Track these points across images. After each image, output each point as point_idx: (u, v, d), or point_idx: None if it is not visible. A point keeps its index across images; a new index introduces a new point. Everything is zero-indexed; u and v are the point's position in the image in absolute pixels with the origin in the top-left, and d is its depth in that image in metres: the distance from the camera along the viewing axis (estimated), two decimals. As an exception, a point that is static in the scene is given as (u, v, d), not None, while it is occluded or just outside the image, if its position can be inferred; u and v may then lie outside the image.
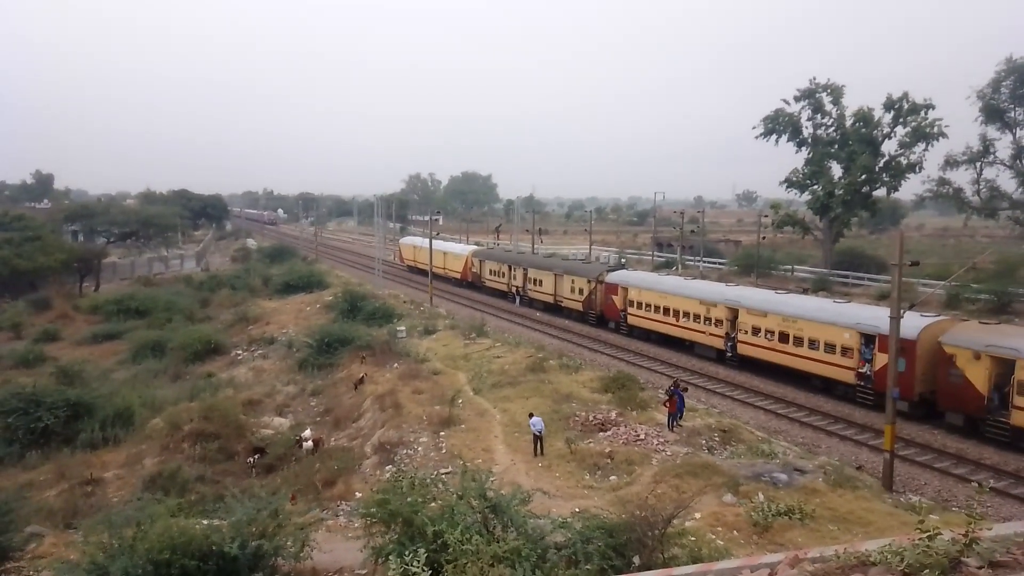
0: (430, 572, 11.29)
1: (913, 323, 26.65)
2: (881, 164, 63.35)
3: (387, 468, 23.71)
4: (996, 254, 59.89)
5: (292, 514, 16.45)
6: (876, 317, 28.66)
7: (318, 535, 16.25)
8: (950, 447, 25.08)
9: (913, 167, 61.93)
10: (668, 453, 22.83)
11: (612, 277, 46.59)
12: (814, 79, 66.14)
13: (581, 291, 49.30)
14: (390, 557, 12.72)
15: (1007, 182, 62.39)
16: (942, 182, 62.76)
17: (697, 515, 17.73)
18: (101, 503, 23.28)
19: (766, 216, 68.91)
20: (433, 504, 13.98)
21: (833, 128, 66.57)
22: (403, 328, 43.87)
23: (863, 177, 62.79)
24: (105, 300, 61.26)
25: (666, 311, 40.75)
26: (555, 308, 52.67)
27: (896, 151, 62.78)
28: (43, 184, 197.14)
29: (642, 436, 24.28)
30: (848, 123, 64.88)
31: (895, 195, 73.01)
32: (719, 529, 17.34)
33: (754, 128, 69.77)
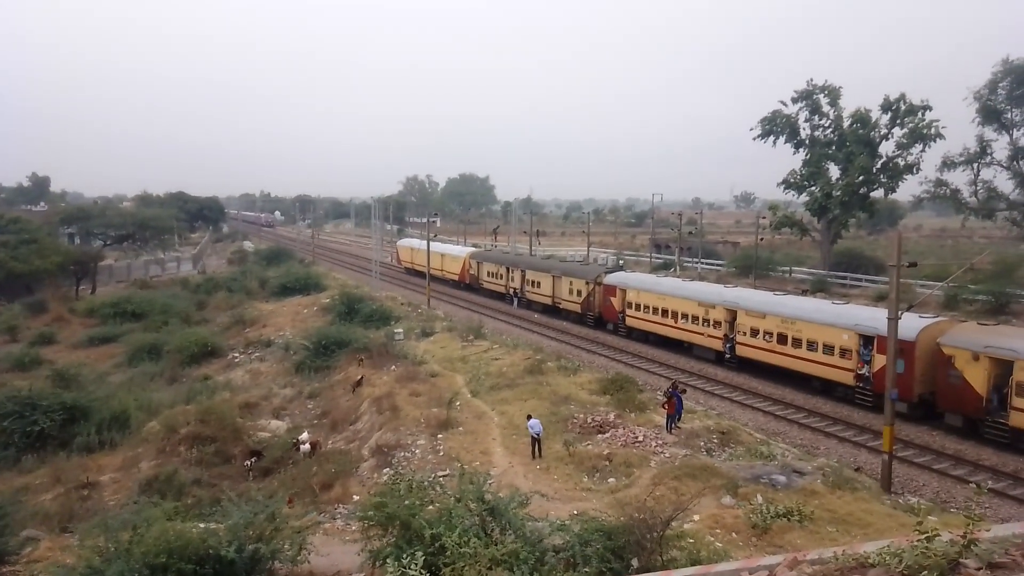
0: (428, 575, 11.24)
1: (912, 324, 26.65)
2: (879, 165, 63.46)
3: (385, 471, 23.63)
4: (994, 255, 59.92)
5: (289, 517, 16.40)
6: (874, 318, 28.67)
7: (315, 538, 16.19)
8: (949, 448, 25.08)
9: (911, 168, 62.04)
10: (667, 455, 22.79)
11: (610, 279, 46.58)
12: (811, 80, 66.33)
13: (579, 293, 49.28)
14: (388, 560, 12.67)
15: (1004, 183, 62.61)
16: (939, 183, 62.86)
17: (696, 517, 17.69)
18: (97, 507, 23.17)
19: (764, 217, 69.02)
20: (431, 507, 13.94)
21: (831, 129, 66.67)
22: (400, 330, 43.81)
23: (861, 178, 62.90)
24: (101, 303, 61.08)
25: (664, 313, 40.74)
26: (553, 310, 52.64)
27: (893, 152, 62.91)
28: (39, 186, 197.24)
29: (640, 438, 24.23)
30: (846, 124, 64.99)
31: (893, 196, 73.17)
32: (718, 531, 17.30)
33: (752, 129, 69.92)
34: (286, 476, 25.17)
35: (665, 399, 25.83)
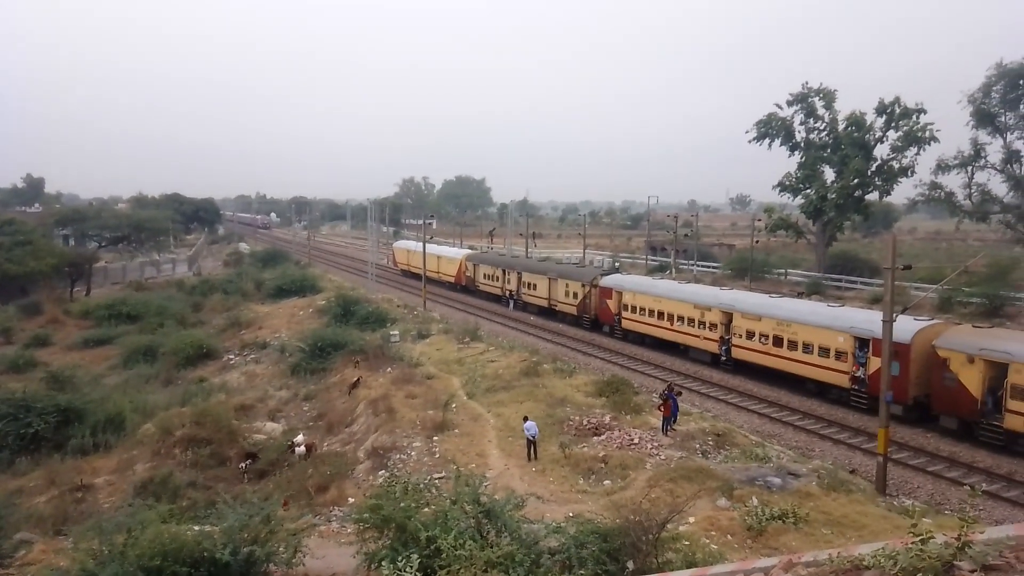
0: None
1: (907, 327, 26.72)
2: (873, 168, 63.72)
3: (380, 473, 23.62)
4: (988, 257, 60.18)
5: (284, 520, 16.36)
6: (870, 321, 28.73)
7: (311, 541, 16.14)
8: (943, 450, 25.14)
9: (905, 171, 62.31)
10: (662, 457, 22.81)
11: (606, 281, 46.61)
12: (807, 83, 66.64)
13: (575, 295, 49.30)
14: (383, 563, 12.65)
15: (998, 186, 62.80)
16: (934, 186, 63.06)
17: (691, 519, 17.72)
18: (92, 509, 23.09)
19: (760, 220, 69.17)
20: (426, 509, 13.92)
21: (826, 132, 66.93)
22: (396, 332, 43.78)
23: (856, 181, 63.12)
24: (96, 305, 60.94)
25: (660, 315, 40.78)
26: (549, 312, 52.64)
27: (888, 155, 63.20)
28: (34, 188, 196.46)
29: (636, 440, 24.25)
30: (840, 127, 65.27)
31: (887, 199, 73.48)
32: (713, 533, 17.32)
33: (747, 132, 70.15)
34: (281, 478, 25.14)
35: (661, 401, 25.86)
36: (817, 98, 66.31)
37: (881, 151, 63.65)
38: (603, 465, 22.51)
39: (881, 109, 61.87)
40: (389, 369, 35.56)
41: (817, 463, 22.96)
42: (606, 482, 21.50)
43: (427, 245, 64.22)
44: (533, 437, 23.51)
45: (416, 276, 69.39)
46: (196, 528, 15.02)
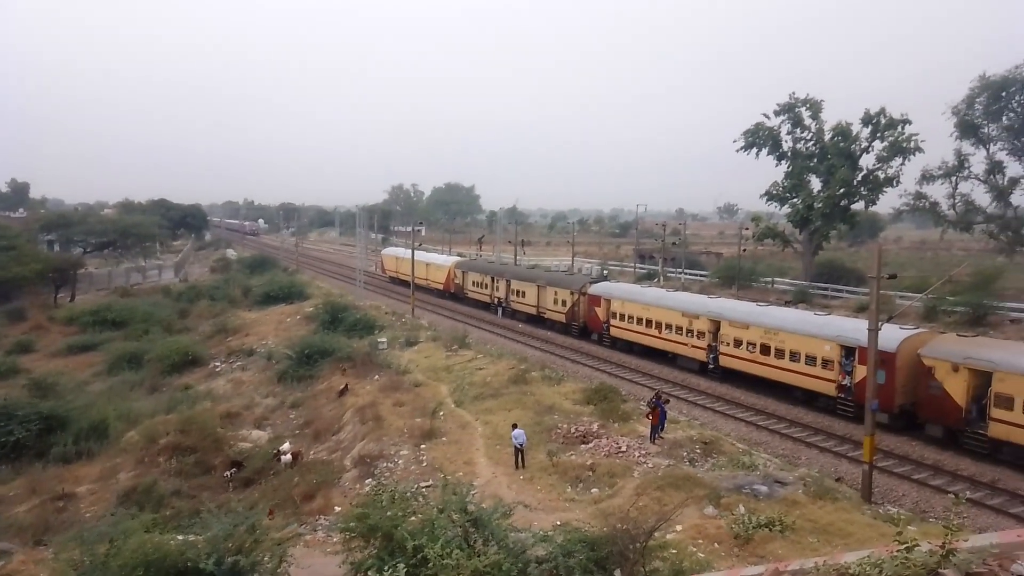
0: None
1: (893, 335, 26.92)
2: (859, 178, 64.23)
3: (367, 481, 23.47)
4: (972, 267, 60.80)
5: (270, 529, 16.22)
6: (856, 329, 28.93)
7: (296, 550, 16.01)
8: (928, 458, 25.30)
9: (890, 181, 62.86)
10: (650, 465, 22.81)
11: (595, 289, 46.69)
12: (793, 94, 67.17)
13: (564, 303, 49.35)
14: (369, 572, 12.55)
15: (981, 196, 63.64)
16: (919, 196, 63.80)
17: (678, 527, 17.71)
18: (74, 519, 22.82)
19: (747, 228, 69.53)
20: (413, 518, 13.83)
21: (812, 142, 67.46)
22: (384, 339, 43.62)
23: (842, 191, 63.60)
24: (81, 311, 60.40)
25: (648, 323, 40.88)
26: (538, 320, 52.66)
27: (874, 165, 63.72)
28: (19, 193, 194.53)
29: (624, 448, 24.24)
30: (827, 137, 65.80)
31: (873, 208, 73.98)
32: (700, 541, 17.32)
33: (735, 141, 70.59)
34: (267, 487, 24.96)
35: (649, 409, 25.89)
36: (804, 108, 66.87)
37: (867, 161, 64.25)
38: (591, 473, 22.49)
39: (867, 120, 62.48)
40: (377, 376, 35.40)
41: (804, 471, 23.02)
42: (594, 490, 21.47)
43: (416, 252, 64.11)
44: (521, 445, 23.45)
45: (405, 283, 69.22)
46: (180, 538, 14.85)
